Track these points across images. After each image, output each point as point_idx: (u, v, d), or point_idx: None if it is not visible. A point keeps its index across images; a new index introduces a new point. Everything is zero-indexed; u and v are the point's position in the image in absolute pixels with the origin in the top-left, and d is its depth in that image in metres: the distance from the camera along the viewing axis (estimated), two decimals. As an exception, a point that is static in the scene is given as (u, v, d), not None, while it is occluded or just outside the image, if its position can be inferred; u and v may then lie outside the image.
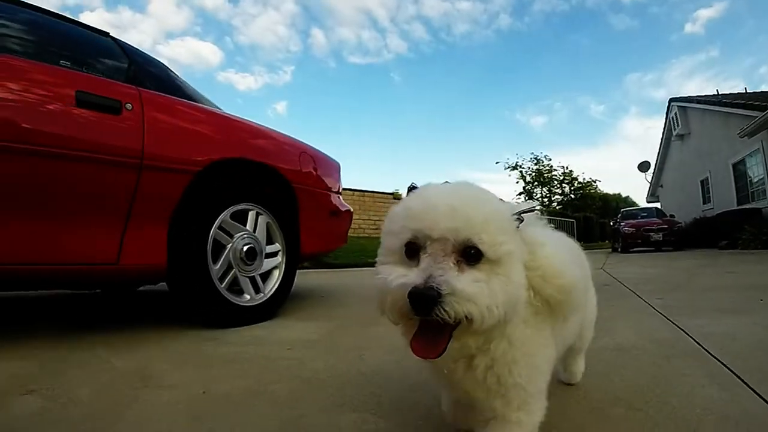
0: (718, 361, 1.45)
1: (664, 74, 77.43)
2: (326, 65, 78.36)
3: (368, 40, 72.87)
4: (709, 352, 1.56)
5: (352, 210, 3.63)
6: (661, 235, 12.93)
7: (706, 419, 1.01)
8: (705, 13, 63.83)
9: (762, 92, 14.95)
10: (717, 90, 17.38)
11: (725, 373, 1.33)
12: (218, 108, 2.66)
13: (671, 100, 17.74)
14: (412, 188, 0.84)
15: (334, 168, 3.33)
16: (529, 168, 33.26)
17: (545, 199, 32.77)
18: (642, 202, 25.57)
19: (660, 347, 1.69)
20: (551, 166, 33.14)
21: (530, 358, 0.77)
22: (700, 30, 66.96)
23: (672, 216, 15.05)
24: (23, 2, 2.13)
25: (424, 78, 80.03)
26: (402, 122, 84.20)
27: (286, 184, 2.62)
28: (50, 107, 1.66)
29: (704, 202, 15.98)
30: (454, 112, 76.74)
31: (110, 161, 1.76)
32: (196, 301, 2.13)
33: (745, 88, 16.79)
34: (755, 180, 12.25)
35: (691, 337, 1.79)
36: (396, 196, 17.49)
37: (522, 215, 0.76)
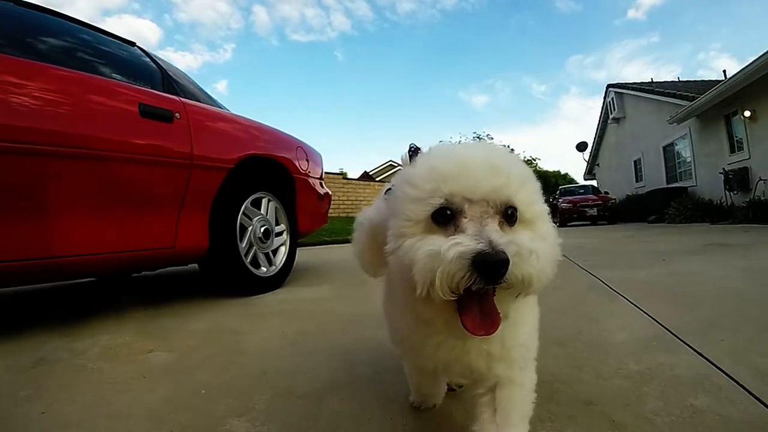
0: (618, 293, 2.29)
1: (606, 57, 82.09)
2: (268, 43, 76.25)
3: (312, 18, 71.63)
4: (612, 289, 2.40)
5: (331, 193, 4.25)
6: (596, 211, 14.55)
7: (611, 324, 1.79)
8: (648, 1, 67.95)
9: (694, 81, 16.84)
10: (653, 76, 19.34)
11: (624, 302, 2.15)
12: (227, 108, 3.19)
13: (609, 85, 19.40)
14: (414, 150, 0.83)
15: (318, 158, 3.93)
16: None
17: None
18: (580, 179, 27.73)
19: (579, 287, 2.51)
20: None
21: (532, 315, 0.82)
22: (643, 16, 71.41)
23: (606, 193, 16.90)
24: (58, 12, 2.48)
25: (368, 57, 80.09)
26: (345, 102, 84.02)
27: (287, 174, 3.22)
28: (123, 119, 2.15)
29: (637, 181, 17.77)
30: (397, 92, 77.71)
31: (169, 163, 2.28)
32: (228, 275, 2.71)
33: (678, 77, 18.74)
34: (683, 162, 14.01)
35: (602, 281, 2.64)
36: (344, 176, 18.07)
37: None
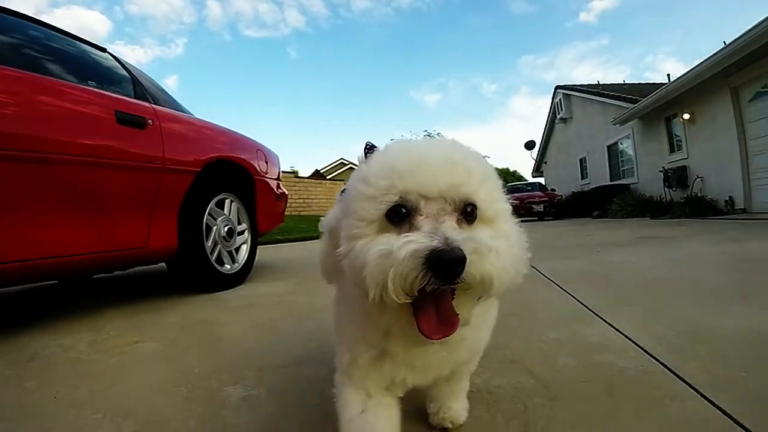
0: (551, 280, 2.70)
1: (557, 58, 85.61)
2: (221, 38, 74.47)
3: (266, 13, 70.50)
4: (547, 277, 2.81)
5: (287, 193, 4.50)
6: (542, 207, 15.41)
7: (540, 305, 2.17)
8: (600, 4, 71.44)
9: (639, 84, 18.06)
10: (602, 77, 20.59)
11: (555, 287, 2.56)
12: (191, 112, 3.38)
13: (557, 87, 20.44)
14: (370, 148, 0.83)
15: (276, 159, 4.18)
16: None
17: None
18: (529, 177, 28.94)
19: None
20: None
21: (491, 319, 0.87)
22: (594, 20, 74.79)
23: (553, 190, 17.91)
24: (33, 18, 2.61)
25: (321, 54, 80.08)
26: (297, 99, 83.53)
27: (248, 176, 3.46)
28: (101, 126, 2.33)
29: (582, 178, 18.87)
30: (350, 89, 78.14)
31: (143, 167, 2.48)
32: (196, 272, 2.93)
33: (624, 80, 19.99)
34: (626, 160, 15.07)
35: (539, 271, 3.05)
36: (295, 174, 18.15)
37: None
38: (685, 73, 9.63)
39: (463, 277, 0.57)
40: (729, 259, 3.21)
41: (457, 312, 0.63)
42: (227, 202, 3.24)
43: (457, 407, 1.00)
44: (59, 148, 2.06)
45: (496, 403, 1.10)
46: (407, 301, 0.59)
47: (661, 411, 1.03)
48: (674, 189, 11.17)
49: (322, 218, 0.86)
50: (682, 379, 1.17)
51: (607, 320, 1.78)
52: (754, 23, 6.99)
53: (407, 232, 0.61)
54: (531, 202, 15.62)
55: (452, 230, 0.60)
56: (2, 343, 2.01)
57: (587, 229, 8.14)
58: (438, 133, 37.95)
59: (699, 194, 9.88)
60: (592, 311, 1.95)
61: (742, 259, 3.19)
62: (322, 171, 30.28)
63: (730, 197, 9.12)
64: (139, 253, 2.54)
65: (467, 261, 0.56)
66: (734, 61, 7.97)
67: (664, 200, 11.28)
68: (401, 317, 0.64)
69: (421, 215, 0.63)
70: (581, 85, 18.67)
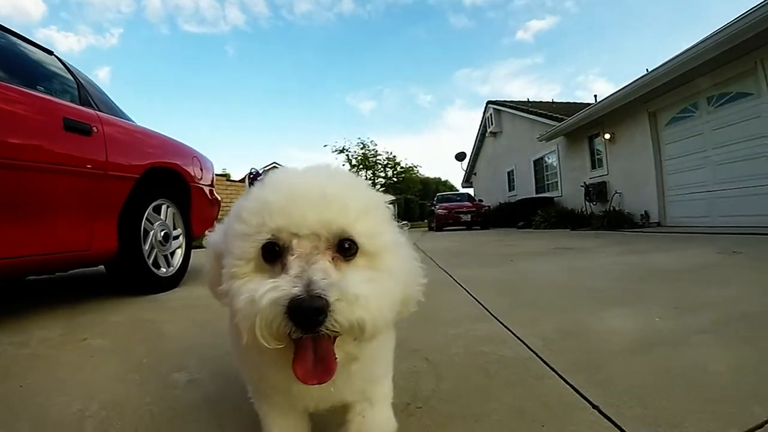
0: (461, 286, 3.14)
1: (492, 73, 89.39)
2: (158, 31, 70.94)
3: (206, 9, 68.25)
4: (457, 282, 3.25)
5: (220, 198, 4.68)
6: (469, 217, 16.33)
7: (446, 307, 2.57)
8: (537, 24, 75.47)
9: (566, 102, 19.62)
10: (534, 93, 22.01)
11: (463, 292, 2.99)
12: (132, 119, 3.52)
13: (488, 102, 21.66)
14: (254, 175, 1.00)
15: (210, 166, 4.37)
16: (355, 152, 36.93)
17: (370, 182, 36.80)
18: (460, 186, 30.20)
19: (430, 282, 3.32)
20: (376, 151, 37.49)
21: (389, 349, 0.90)
22: (530, 38, 78.92)
23: (481, 200, 19.05)
24: None
25: (259, 54, 78.62)
26: (232, 98, 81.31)
27: (184, 183, 3.65)
28: (49, 132, 2.47)
29: (510, 190, 20.09)
30: (286, 92, 77.45)
31: (88, 173, 2.63)
32: (134, 275, 3.09)
33: (553, 100, 21.45)
34: (551, 174, 16.27)
35: (452, 278, 3.49)
36: (228, 177, 17.91)
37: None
38: (608, 96, 10.67)
39: (328, 325, 0.57)
40: (625, 269, 3.66)
41: (338, 354, 0.64)
42: (164, 207, 3.42)
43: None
44: (9, 153, 2.19)
45: (394, 380, 1.41)
46: (280, 346, 0.60)
47: (524, 387, 1.34)
48: (595, 203, 12.21)
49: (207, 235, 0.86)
50: (547, 364, 1.49)
51: (500, 320, 2.13)
52: (672, 55, 7.88)
53: (280, 272, 0.62)
54: (459, 212, 16.52)
55: (320, 273, 0.59)
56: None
57: (509, 239, 8.82)
58: (371, 141, 39.04)
59: (617, 208, 10.92)
60: (490, 313, 2.32)
61: (637, 268, 3.66)
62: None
63: (646, 212, 10.11)
64: (82, 255, 2.68)
65: (332, 308, 0.56)
66: (653, 88, 8.90)
67: (585, 213, 12.32)
68: (279, 360, 0.64)
69: (293, 254, 0.63)
70: (512, 101, 19.96)
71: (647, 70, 8.81)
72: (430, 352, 1.72)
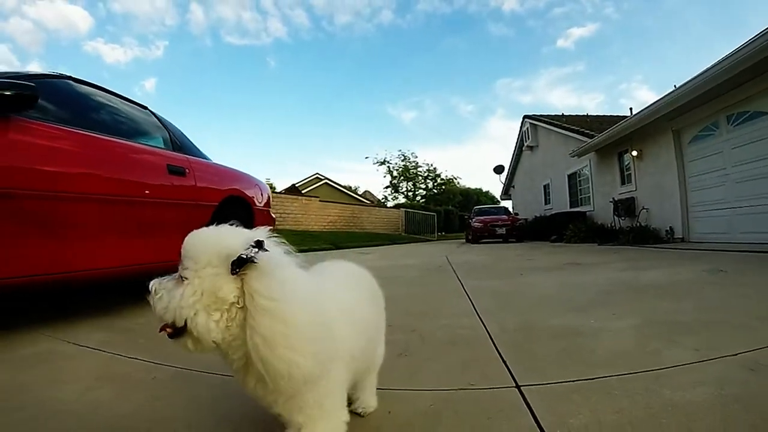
0: (466, 293, 3.96)
1: (533, 82, 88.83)
2: (201, 43, 74.82)
3: (248, 21, 71.62)
4: (466, 292, 4.07)
5: (275, 218, 5.68)
6: (504, 230, 17.03)
7: (445, 308, 3.43)
8: (577, 32, 74.98)
9: (600, 116, 20.26)
10: (577, 102, 22.41)
11: (466, 298, 3.80)
12: (209, 157, 4.55)
13: (525, 116, 22.41)
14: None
15: (267, 191, 5.36)
16: (396, 164, 38.06)
17: (410, 193, 37.82)
18: (499, 198, 30.79)
19: (444, 289, 4.16)
20: (417, 163, 38.61)
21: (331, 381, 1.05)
22: (571, 46, 78.26)
23: (517, 214, 19.79)
24: (89, 82, 3.67)
25: (300, 66, 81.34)
26: (275, 110, 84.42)
27: (249, 207, 4.64)
28: (159, 176, 3.49)
29: (545, 203, 20.68)
30: (327, 103, 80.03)
31: (183, 204, 3.64)
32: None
33: (587, 114, 21.98)
34: (584, 189, 16.81)
35: (463, 287, 4.33)
36: (272, 188, 19.10)
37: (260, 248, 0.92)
38: (635, 114, 11.19)
39: None
40: (609, 284, 4.13)
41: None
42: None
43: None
44: (139, 192, 3.22)
45: (395, 344, 2.09)
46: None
47: (471, 349, 2.23)
48: (623, 218, 12.68)
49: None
50: (493, 341, 2.31)
51: (480, 316, 2.94)
52: (696, 73, 8.31)
53: None
54: (494, 225, 17.27)
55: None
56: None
57: (534, 253, 9.47)
58: (412, 153, 40.33)
59: (644, 224, 11.38)
60: (476, 312, 3.13)
61: (621, 284, 4.15)
62: (297, 186, 31.22)
63: (671, 227, 10.53)
64: (175, 264, 3.66)
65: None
66: (676, 107, 9.43)
67: (613, 227, 12.81)
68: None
69: None
70: (546, 116, 20.61)
71: (675, 86, 9.25)
72: (422, 331, 2.60)
